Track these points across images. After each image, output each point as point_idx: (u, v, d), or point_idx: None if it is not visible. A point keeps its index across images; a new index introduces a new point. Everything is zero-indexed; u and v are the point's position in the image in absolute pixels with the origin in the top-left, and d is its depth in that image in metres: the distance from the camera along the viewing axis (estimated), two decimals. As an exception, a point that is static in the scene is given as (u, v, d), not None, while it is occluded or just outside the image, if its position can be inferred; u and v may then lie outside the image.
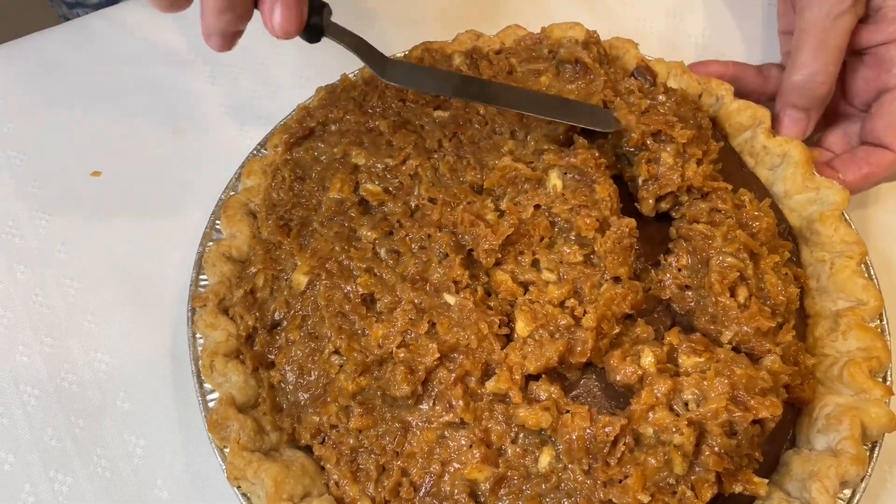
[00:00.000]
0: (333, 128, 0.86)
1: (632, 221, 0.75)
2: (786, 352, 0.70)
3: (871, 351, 0.73)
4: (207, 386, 0.74)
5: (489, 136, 0.85)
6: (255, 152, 0.88)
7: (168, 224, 0.90)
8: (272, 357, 0.74)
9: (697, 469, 0.65)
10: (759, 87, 0.93)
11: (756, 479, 0.66)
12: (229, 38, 0.72)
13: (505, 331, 0.72)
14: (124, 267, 0.88)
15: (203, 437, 0.73)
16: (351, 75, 0.90)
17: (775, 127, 0.87)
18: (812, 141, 0.92)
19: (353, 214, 0.80)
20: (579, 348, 0.70)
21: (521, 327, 0.71)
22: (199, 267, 0.80)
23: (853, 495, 0.69)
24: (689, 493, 0.64)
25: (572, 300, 0.73)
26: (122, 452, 0.78)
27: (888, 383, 0.74)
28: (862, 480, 0.69)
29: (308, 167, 0.84)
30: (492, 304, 0.74)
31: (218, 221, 0.83)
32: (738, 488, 0.65)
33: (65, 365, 0.83)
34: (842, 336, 0.75)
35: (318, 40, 0.74)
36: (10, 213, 0.91)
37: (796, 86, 0.86)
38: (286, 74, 0.95)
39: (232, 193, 0.85)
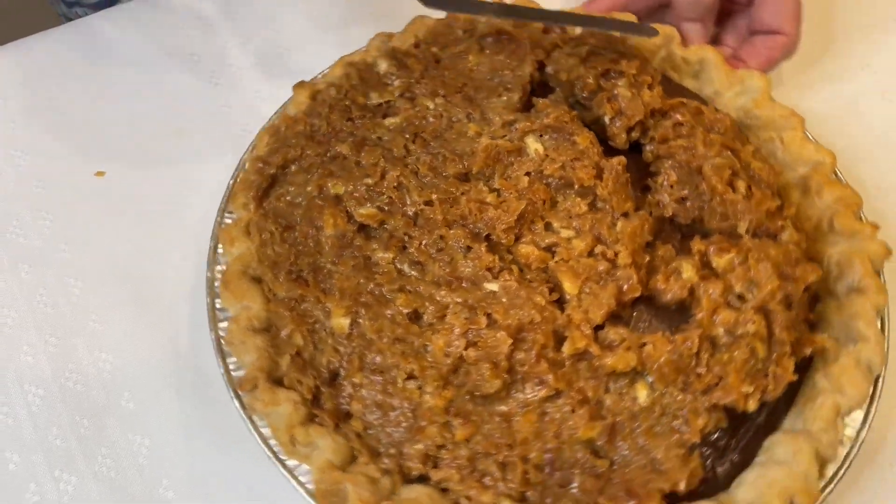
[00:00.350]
0: (295, 168, 0.84)
1: (622, 159, 0.79)
2: (793, 223, 0.78)
3: (846, 199, 0.82)
4: (291, 462, 0.70)
5: (449, 127, 0.85)
6: (220, 220, 0.84)
7: (171, 224, 0.91)
8: (346, 408, 0.71)
9: (774, 347, 0.70)
10: (647, 4, 1.00)
11: (818, 337, 0.73)
12: None
13: (554, 296, 0.74)
14: (128, 266, 0.87)
15: (207, 437, 0.76)
16: (291, 112, 0.88)
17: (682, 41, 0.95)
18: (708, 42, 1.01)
19: (359, 243, 0.78)
20: (626, 286, 0.74)
21: (569, 287, 0.74)
22: (221, 352, 0.75)
23: (883, 324, 0.77)
24: (777, 369, 0.69)
25: (599, 246, 0.76)
26: (127, 452, 0.77)
27: (864, 222, 0.84)
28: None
29: (288, 214, 0.81)
30: (528, 277, 0.75)
31: (217, 301, 0.78)
32: (807, 352, 0.72)
33: (69, 365, 0.82)
34: (816, 196, 0.83)
35: None
36: (14, 212, 0.92)
37: (684, 1, 0.94)
38: (288, 75, 0.95)
39: (219, 268, 0.80)
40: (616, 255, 0.75)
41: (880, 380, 0.74)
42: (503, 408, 0.70)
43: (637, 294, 0.73)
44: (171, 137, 0.97)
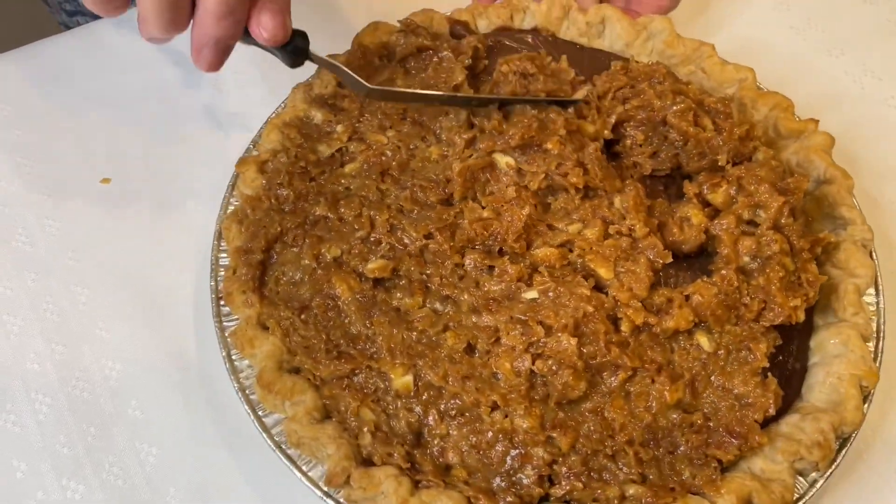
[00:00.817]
0: (279, 246, 0.79)
1: (597, 144, 0.81)
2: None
3: (781, 104, 0.88)
4: None
5: (411, 156, 0.84)
6: (221, 327, 0.77)
7: (177, 230, 0.90)
8: (442, 461, 0.69)
9: (797, 257, 0.76)
10: None
11: (822, 234, 0.79)
12: (223, 52, 0.70)
13: (591, 283, 0.75)
14: (134, 273, 0.88)
15: (216, 445, 0.77)
16: (248, 191, 0.82)
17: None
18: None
19: (382, 297, 0.75)
20: (653, 254, 0.76)
21: (605, 272, 0.75)
22: (290, 459, 0.70)
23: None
24: (808, 275, 0.75)
25: (613, 226, 0.78)
26: (135, 460, 0.77)
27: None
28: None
29: (296, 295, 0.76)
30: (556, 275, 0.76)
31: (259, 409, 0.73)
32: (818, 251, 0.78)
33: (76, 372, 0.81)
34: (753, 109, 0.89)
35: (300, 64, 0.78)
36: (20, 220, 0.91)
37: None
38: (292, 81, 0.92)
39: (243, 375, 0.74)
40: (631, 229, 0.77)
41: (874, 254, 0.81)
42: (589, 404, 0.71)
43: (668, 259, 0.76)
44: (178, 144, 0.96)
